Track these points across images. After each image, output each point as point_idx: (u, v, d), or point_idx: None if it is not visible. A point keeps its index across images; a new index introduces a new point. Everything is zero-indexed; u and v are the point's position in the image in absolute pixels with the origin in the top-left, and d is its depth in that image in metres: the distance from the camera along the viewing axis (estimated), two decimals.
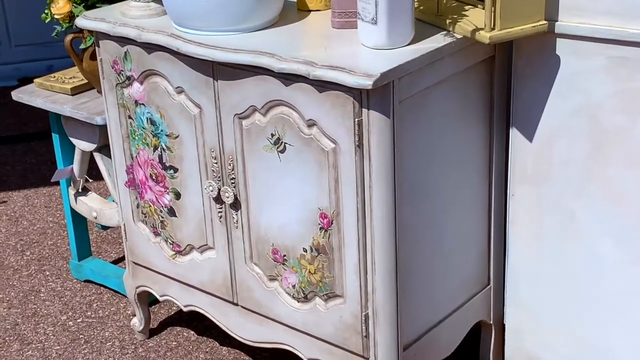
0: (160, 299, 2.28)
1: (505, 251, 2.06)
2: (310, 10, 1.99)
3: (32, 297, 2.66)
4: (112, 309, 2.58)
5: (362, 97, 1.67)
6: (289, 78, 1.74)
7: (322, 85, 1.70)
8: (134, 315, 2.43)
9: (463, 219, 1.97)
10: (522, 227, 2.01)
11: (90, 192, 2.58)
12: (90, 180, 2.62)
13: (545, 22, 1.76)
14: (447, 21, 1.81)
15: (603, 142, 1.84)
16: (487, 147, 1.97)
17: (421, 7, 1.90)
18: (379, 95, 1.66)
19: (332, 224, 1.81)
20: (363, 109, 1.68)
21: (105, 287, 2.67)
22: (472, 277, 2.05)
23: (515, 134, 1.95)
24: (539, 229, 1.99)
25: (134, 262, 2.29)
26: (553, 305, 2.02)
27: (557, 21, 1.79)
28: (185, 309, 2.22)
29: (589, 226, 1.91)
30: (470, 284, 2.05)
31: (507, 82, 1.93)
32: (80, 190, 2.57)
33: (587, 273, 1.95)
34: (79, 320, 2.54)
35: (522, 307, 2.08)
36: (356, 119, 1.68)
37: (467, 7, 1.87)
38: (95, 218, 2.53)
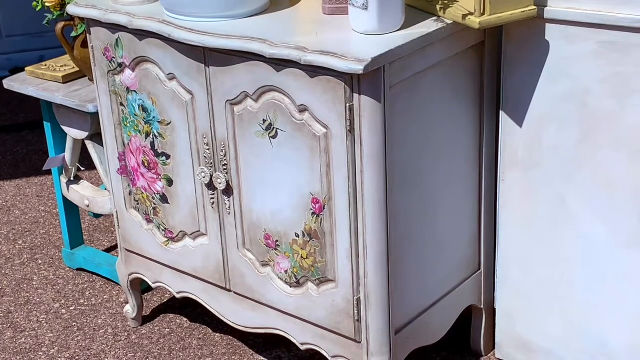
0: (153, 285, 2.28)
1: (496, 236, 2.08)
2: None
3: (25, 285, 2.67)
4: (104, 297, 2.58)
5: (353, 82, 1.68)
6: (280, 64, 1.75)
7: (314, 71, 1.71)
8: (127, 302, 2.44)
9: (454, 203, 1.99)
10: (512, 212, 2.03)
11: (82, 181, 2.58)
12: (83, 169, 2.62)
13: (535, 7, 1.78)
14: (438, 7, 1.82)
15: (592, 127, 1.85)
16: (477, 132, 1.99)
17: None
18: (370, 80, 1.67)
19: (324, 209, 1.82)
20: (354, 94, 1.69)
21: (98, 275, 2.67)
22: (463, 262, 2.07)
23: (505, 119, 1.96)
24: (530, 213, 2.00)
25: (126, 250, 2.30)
26: (544, 289, 2.04)
27: (546, 6, 1.80)
28: (178, 296, 2.23)
29: (580, 210, 1.93)
30: (461, 268, 2.07)
31: (497, 68, 1.94)
32: (72, 179, 2.57)
33: (577, 256, 1.97)
34: (71, 308, 2.54)
35: (512, 291, 2.10)
36: (347, 104, 1.69)
37: None
38: (88, 206, 2.54)
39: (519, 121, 1.94)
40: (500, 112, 1.96)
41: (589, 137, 1.86)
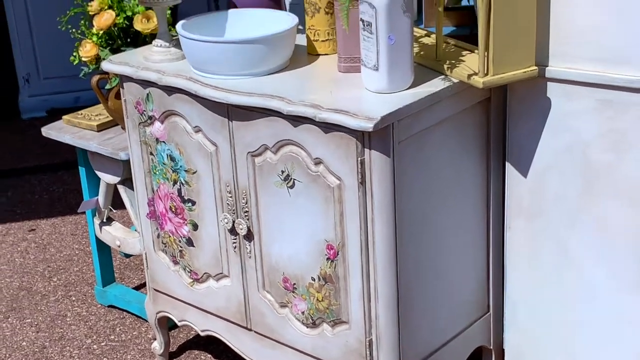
0: (179, 323, 2.41)
1: (504, 280, 2.18)
2: (319, 54, 2.13)
3: (59, 321, 2.81)
4: (134, 333, 2.72)
5: (364, 138, 1.80)
6: (297, 120, 1.88)
7: (328, 127, 1.84)
8: (155, 339, 2.56)
9: (462, 249, 2.10)
10: (519, 258, 2.13)
11: (114, 222, 2.73)
12: (114, 211, 2.76)
13: (536, 67, 1.89)
14: (445, 66, 1.95)
15: (593, 178, 1.96)
16: (485, 182, 2.10)
17: (422, 53, 2.04)
18: (379, 137, 1.79)
19: (337, 254, 1.94)
20: (365, 149, 1.81)
21: (128, 312, 2.81)
22: (472, 304, 2.17)
23: (510, 170, 2.07)
24: (535, 259, 2.10)
25: (154, 289, 2.43)
26: (550, 331, 2.14)
27: (547, 66, 1.92)
28: (202, 334, 2.36)
29: (582, 256, 2.03)
30: (471, 310, 2.17)
31: (503, 122, 2.06)
32: (104, 220, 2.72)
33: (581, 301, 2.06)
34: (102, 344, 2.68)
35: (520, 333, 2.19)
36: (359, 158, 1.82)
37: (464, 53, 2.01)
38: (119, 246, 2.68)
39: (524, 172, 2.05)
40: (506, 163, 2.07)
41: (589, 187, 1.97)
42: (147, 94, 2.17)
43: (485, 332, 2.22)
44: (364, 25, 1.85)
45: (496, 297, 2.21)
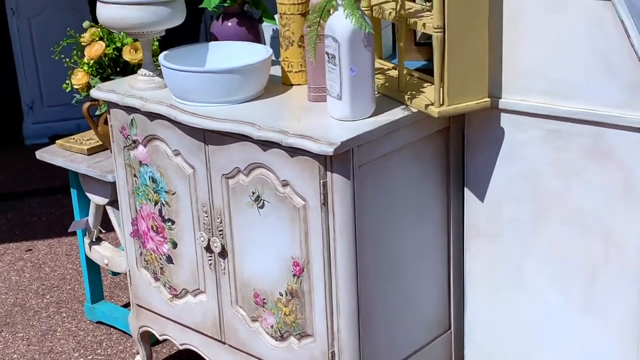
0: (160, 338, 2.54)
1: (464, 299, 2.30)
2: (292, 85, 2.28)
3: (50, 336, 2.94)
4: (119, 348, 2.85)
5: (326, 162, 1.94)
6: (266, 144, 2.03)
7: (294, 151, 1.98)
8: (138, 353, 2.69)
9: (424, 269, 2.23)
10: (477, 278, 2.26)
11: (103, 242, 2.87)
12: (104, 231, 2.91)
13: (488, 99, 2.04)
14: (406, 97, 2.09)
15: (544, 204, 2.09)
16: (445, 205, 2.23)
17: (386, 84, 2.18)
18: (340, 161, 1.93)
19: (303, 271, 2.07)
20: (327, 172, 1.95)
21: (115, 328, 2.94)
22: (434, 322, 2.30)
23: (469, 195, 2.21)
24: (492, 280, 2.23)
25: (137, 304, 2.56)
26: (507, 349, 2.25)
27: (500, 98, 2.06)
28: (181, 347, 2.49)
29: (535, 278, 2.15)
30: (432, 327, 2.30)
31: (462, 150, 2.19)
32: (94, 240, 2.86)
33: (535, 320, 2.18)
34: (89, 358, 2.81)
35: (479, 351, 2.31)
36: (321, 181, 1.96)
37: (425, 85, 2.15)
38: (107, 265, 2.82)
39: (481, 197, 2.18)
40: (465, 188, 2.21)
41: (541, 212, 2.10)
42: (132, 120, 2.32)
43: (447, 349, 2.35)
44: (328, 57, 2.00)
45: (457, 315, 2.33)
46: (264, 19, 2.49)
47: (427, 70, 2.26)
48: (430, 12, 1.99)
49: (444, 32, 1.94)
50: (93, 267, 2.95)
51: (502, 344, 2.26)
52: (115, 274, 3.22)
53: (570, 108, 1.97)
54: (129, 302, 3.09)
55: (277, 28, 2.54)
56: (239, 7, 2.42)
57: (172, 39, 2.52)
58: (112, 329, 2.95)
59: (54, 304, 3.14)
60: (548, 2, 1.93)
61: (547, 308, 2.16)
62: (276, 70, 2.32)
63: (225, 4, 2.40)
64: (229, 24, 2.41)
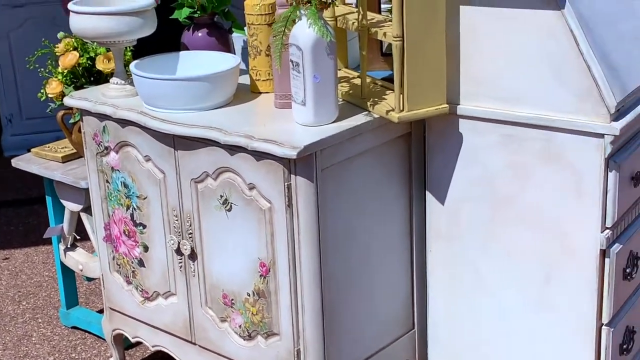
0: (132, 340, 2.60)
1: (427, 299, 2.38)
2: (260, 92, 2.36)
3: (25, 340, 2.99)
4: (93, 352, 2.90)
5: (290, 165, 2.02)
6: (233, 149, 2.10)
7: (259, 155, 2.06)
8: (111, 356, 2.75)
9: (387, 269, 2.30)
10: (439, 279, 2.34)
11: (77, 248, 2.93)
12: (79, 237, 2.97)
13: (447, 105, 2.12)
14: (369, 103, 2.18)
15: (500, 206, 2.17)
16: (407, 207, 2.31)
17: (350, 91, 2.27)
18: (303, 164, 2.01)
19: (269, 271, 2.14)
20: (291, 175, 2.03)
21: (90, 332, 3.00)
22: (398, 321, 2.37)
23: (430, 198, 2.29)
24: (453, 280, 2.31)
25: (110, 308, 2.62)
26: (468, 348, 2.33)
27: (459, 104, 2.15)
28: (152, 349, 2.55)
29: (492, 277, 2.24)
30: (396, 327, 2.37)
31: (423, 154, 2.28)
32: (69, 246, 2.92)
33: (494, 319, 2.26)
34: None
35: (442, 350, 2.39)
36: (286, 183, 2.03)
37: (388, 92, 2.23)
38: (81, 270, 2.87)
39: (441, 200, 2.27)
40: (426, 192, 2.29)
41: (497, 214, 2.18)
42: (104, 127, 2.39)
43: (410, 348, 2.42)
44: (293, 65, 2.08)
45: (420, 315, 2.41)
46: (233, 29, 2.57)
47: (393, 80, 2.35)
48: (391, 22, 2.07)
49: (402, 41, 2.02)
50: (68, 273, 3.01)
51: (464, 342, 2.34)
52: (89, 279, 3.27)
53: (523, 113, 2.06)
54: (103, 308, 3.15)
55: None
56: (209, 17, 2.50)
57: (154, 50, 2.58)
58: (86, 333, 3.00)
59: (30, 310, 3.19)
60: (500, 12, 2.02)
61: (505, 308, 2.23)
62: (246, 79, 2.40)
63: (196, 15, 2.48)
64: (200, 34, 2.49)
